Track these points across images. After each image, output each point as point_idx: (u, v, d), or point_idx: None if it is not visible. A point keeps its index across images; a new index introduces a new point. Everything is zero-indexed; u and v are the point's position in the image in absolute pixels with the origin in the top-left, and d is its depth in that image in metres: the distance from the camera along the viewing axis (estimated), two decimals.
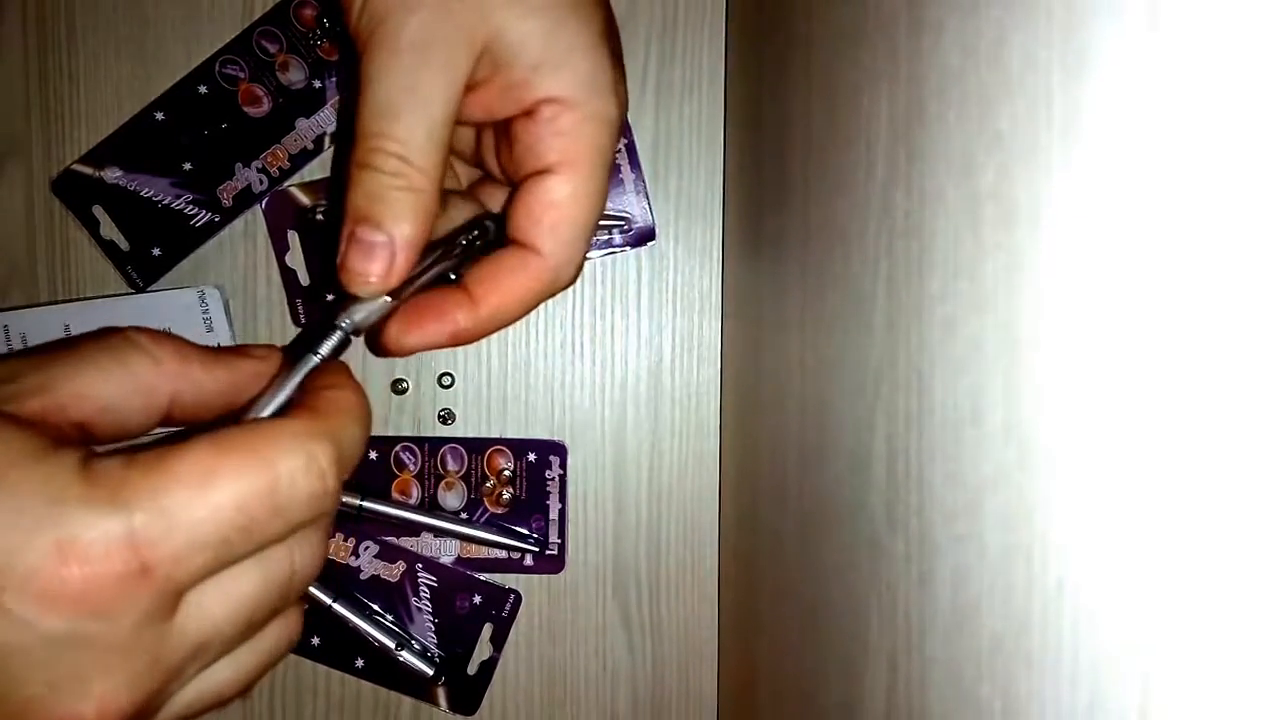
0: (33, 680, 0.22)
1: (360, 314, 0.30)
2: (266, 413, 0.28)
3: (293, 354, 0.30)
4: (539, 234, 0.32)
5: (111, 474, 0.23)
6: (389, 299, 0.30)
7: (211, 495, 0.23)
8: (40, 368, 0.26)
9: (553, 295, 0.33)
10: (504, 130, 0.33)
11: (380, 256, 0.30)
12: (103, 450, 0.24)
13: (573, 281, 0.33)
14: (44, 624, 0.22)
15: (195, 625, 0.24)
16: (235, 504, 0.23)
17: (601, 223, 0.49)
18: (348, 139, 0.31)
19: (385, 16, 0.29)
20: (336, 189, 0.48)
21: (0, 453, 0.23)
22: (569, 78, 0.31)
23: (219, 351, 0.30)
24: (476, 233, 0.33)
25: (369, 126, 0.29)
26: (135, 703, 0.23)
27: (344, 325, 0.30)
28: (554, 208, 0.31)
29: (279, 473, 0.24)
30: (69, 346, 0.27)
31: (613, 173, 0.49)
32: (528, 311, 0.33)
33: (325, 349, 0.30)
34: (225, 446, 0.24)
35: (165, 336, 0.29)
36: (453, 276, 0.33)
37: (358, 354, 0.49)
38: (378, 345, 0.32)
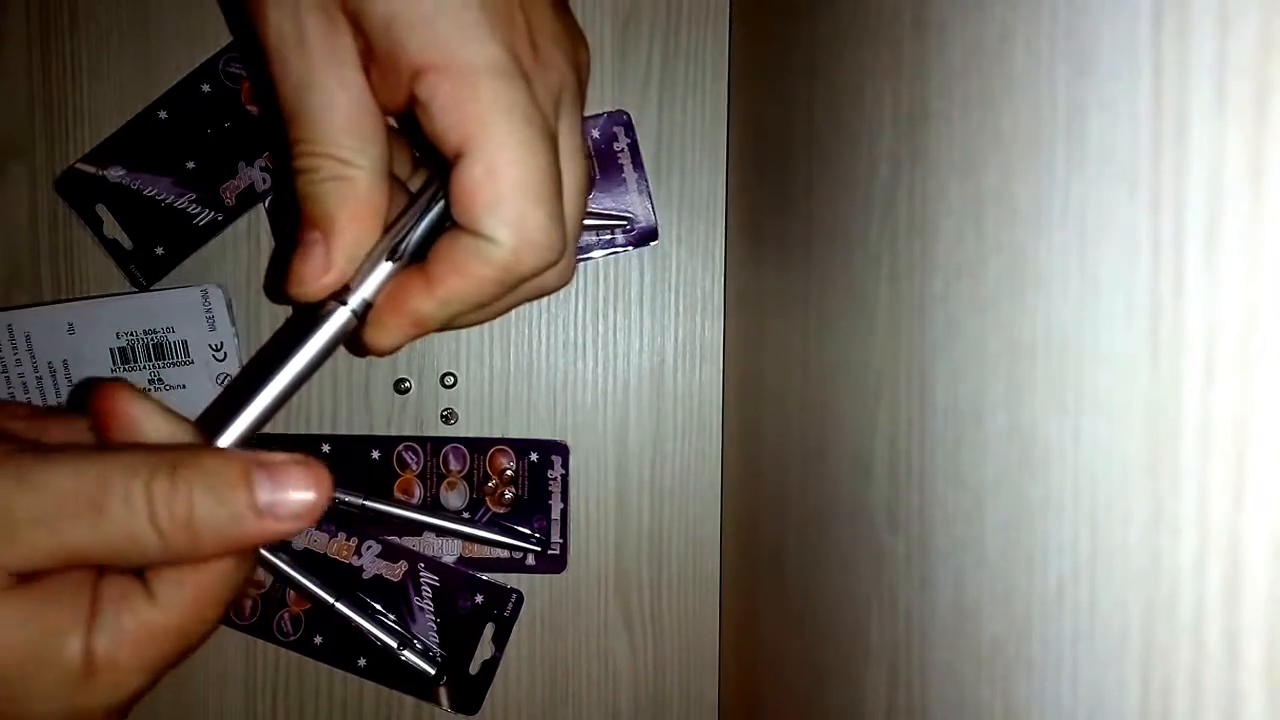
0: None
1: (329, 324, 0.29)
2: (227, 437, 0.28)
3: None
4: (479, 221, 0.28)
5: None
6: (345, 303, 0.29)
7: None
8: None
9: (532, 274, 0.29)
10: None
11: (314, 255, 0.29)
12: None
13: (552, 256, 0.29)
14: None
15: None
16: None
17: (603, 222, 0.49)
18: None
19: (264, 15, 0.28)
20: None
21: None
22: (430, 36, 0.27)
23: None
24: (432, 192, 0.30)
25: (289, 128, 0.28)
26: None
27: (317, 335, 0.29)
28: (478, 191, 0.28)
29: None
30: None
31: (616, 171, 0.49)
32: (500, 299, 0.30)
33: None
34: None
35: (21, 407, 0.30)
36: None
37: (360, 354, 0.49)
38: (360, 347, 0.31)
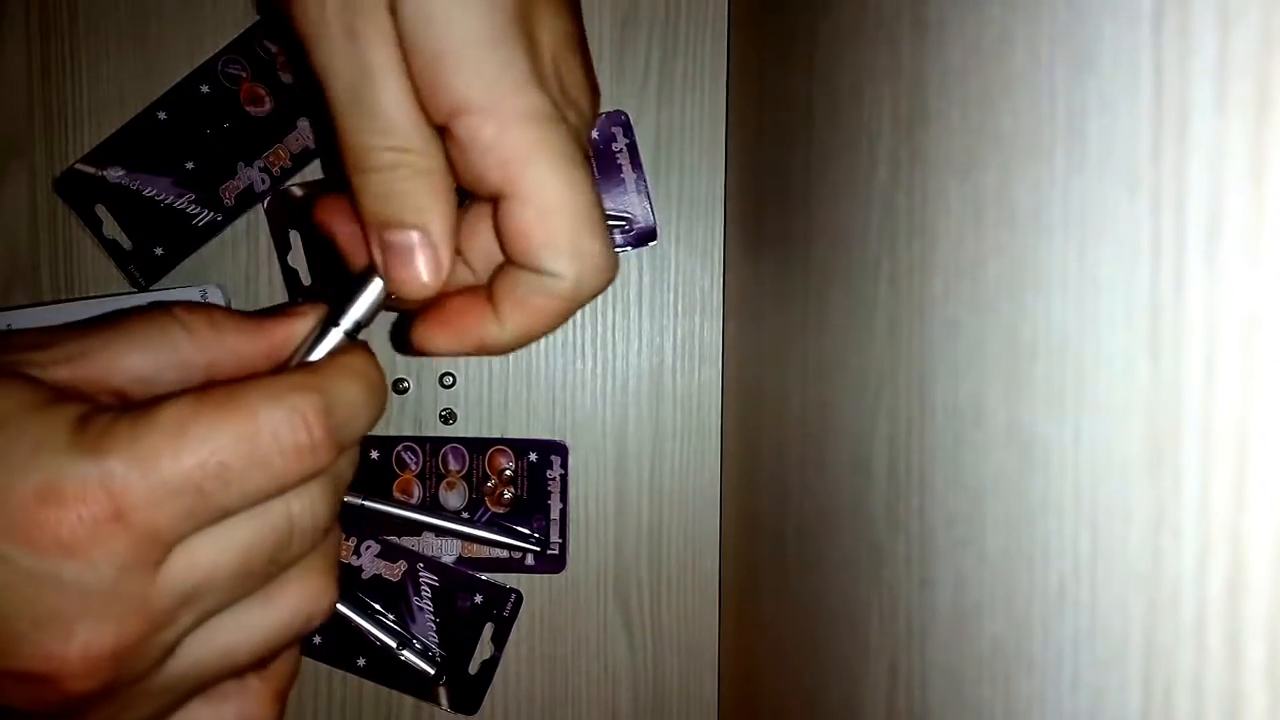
0: (17, 618, 0.23)
1: (362, 302, 0.30)
2: None
3: (323, 321, 0.29)
4: (538, 259, 0.29)
5: (101, 424, 0.24)
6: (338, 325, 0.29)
7: (185, 442, 0.24)
8: (78, 338, 0.27)
9: (593, 297, 0.30)
10: None
11: (420, 256, 0.29)
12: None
13: (610, 276, 0.30)
14: (25, 563, 0.23)
15: (183, 572, 0.24)
16: (209, 451, 0.24)
17: None
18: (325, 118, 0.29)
19: (306, 5, 0.27)
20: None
21: (0, 405, 0.24)
22: (472, 77, 0.27)
23: (259, 316, 0.30)
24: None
25: (345, 125, 0.28)
26: (120, 646, 0.24)
27: (354, 313, 0.29)
28: (533, 231, 0.28)
29: (259, 424, 0.24)
30: (113, 320, 0.28)
31: (615, 171, 0.49)
32: (565, 320, 0.31)
33: (347, 323, 0.29)
34: (206, 398, 0.24)
35: (202, 308, 0.29)
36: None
37: None
38: (405, 344, 0.31)
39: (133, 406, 0.25)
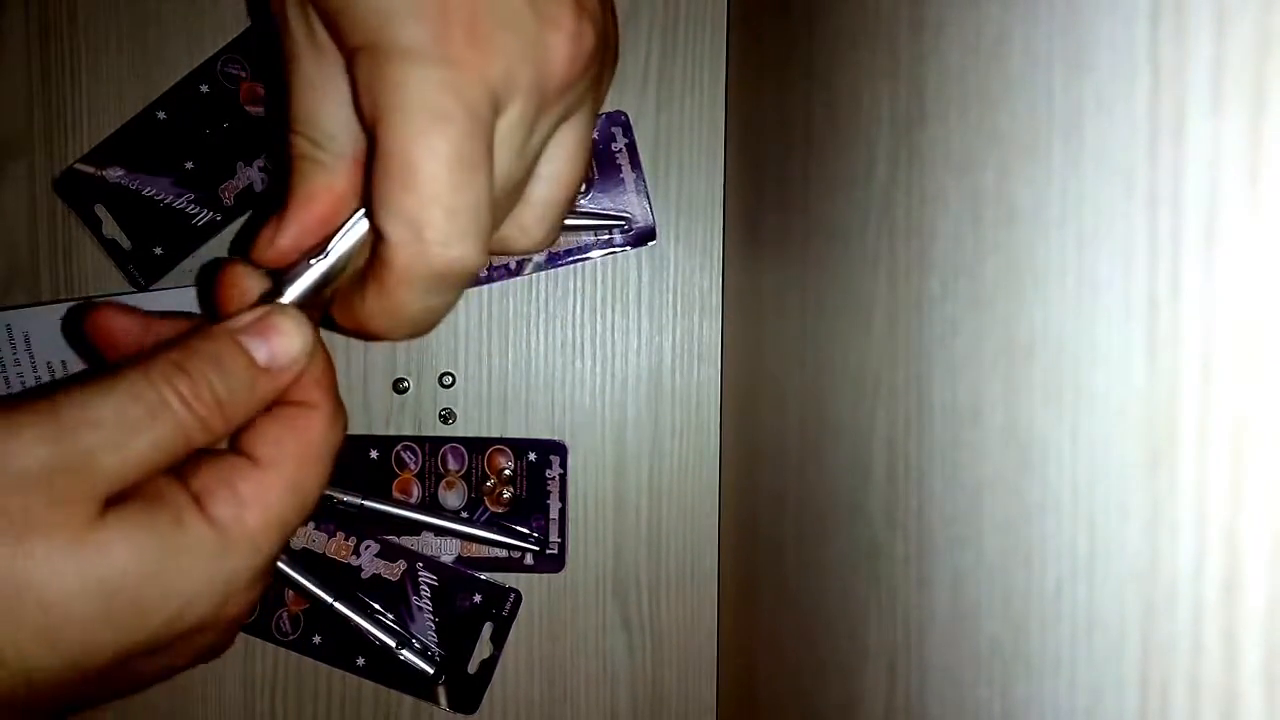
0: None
1: (299, 280, 0.29)
2: None
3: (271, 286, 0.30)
4: (378, 215, 0.26)
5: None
6: (316, 263, 0.29)
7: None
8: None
9: (446, 277, 0.27)
10: None
11: (269, 226, 0.29)
12: None
13: (454, 257, 0.26)
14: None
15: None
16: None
17: (602, 223, 0.49)
18: None
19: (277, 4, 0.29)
20: None
21: None
22: (358, 13, 0.25)
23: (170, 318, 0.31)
24: (354, 218, 0.29)
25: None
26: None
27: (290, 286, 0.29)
28: (373, 183, 0.26)
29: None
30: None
31: (614, 171, 0.49)
32: (423, 301, 0.28)
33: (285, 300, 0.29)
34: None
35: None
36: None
37: (360, 353, 0.49)
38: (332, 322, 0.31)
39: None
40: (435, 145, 0.25)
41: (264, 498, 0.27)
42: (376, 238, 0.27)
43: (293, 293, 0.29)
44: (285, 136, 0.29)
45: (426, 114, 0.25)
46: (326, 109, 0.28)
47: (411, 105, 0.25)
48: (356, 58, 0.26)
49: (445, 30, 0.25)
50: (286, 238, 0.29)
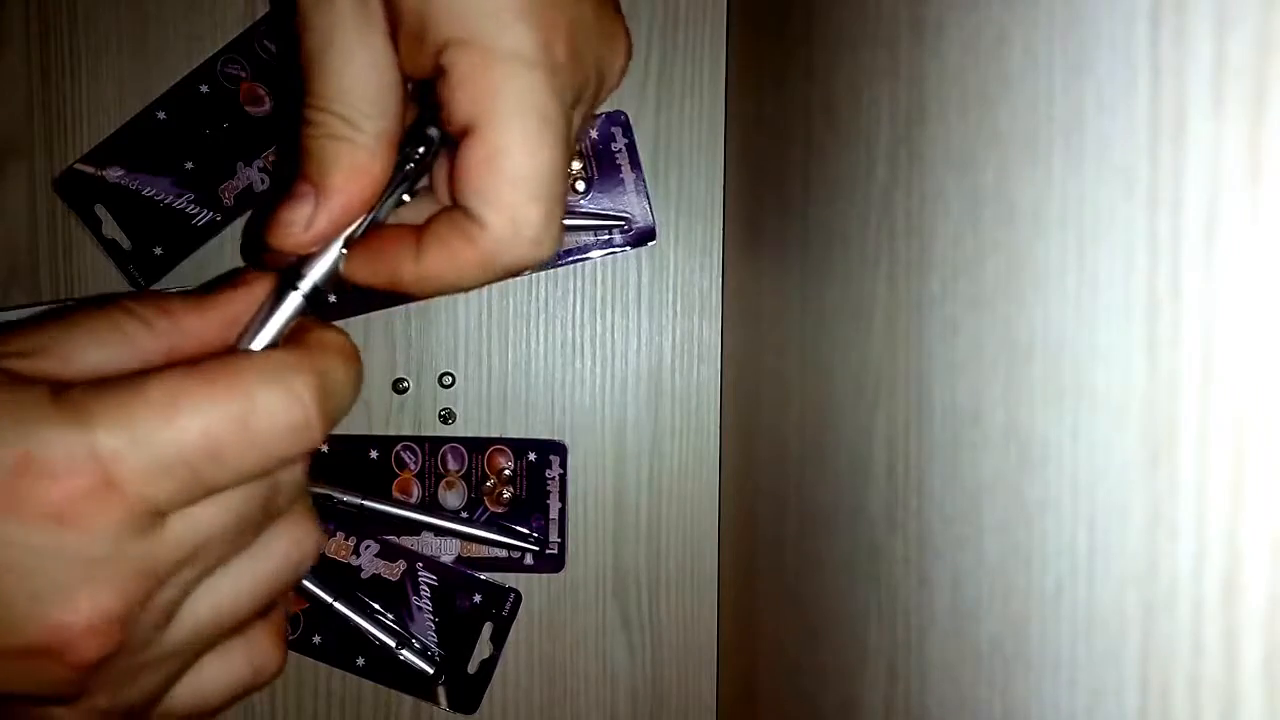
0: (15, 593, 0.23)
1: (320, 265, 0.29)
2: (256, 347, 0.28)
3: (277, 289, 0.29)
4: (471, 203, 0.28)
5: (79, 397, 0.24)
6: (341, 248, 0.29)
7: (178, 417, 0.24)
8: (32, 334, 0.27)
9: (515, 268, 0.29)
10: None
11: (301, 210, 0.28)
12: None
13: (540, 252, 0.28)
14: (17, 537, 0.23)
15: (179, 535, 0.24)
16: (202, 427, 0.24)
17: (602, 223, 0.49)
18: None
19: None
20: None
21: None
22: (462, 10, 0.26)
23: (209, 292, 0.29)
24: (421, 149, 0.29)
25: (305, 76, 0.28)
26: (126, 607, 0.24)
27: (307, 275, 0.29)
28: (476, 174, 0.27)
29: (255, 403, 0.24)
30: (66, 316, 0.28)
31: (614, 171, 0.49)
32: (481, 282, 0.29)
33: (305, 286, 0.29)
34: (199, 373, 0.24)
35: (150, 296, 0.29)
36: (406, 199, 0.30)
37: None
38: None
39: (112, 381, 0.24)
40: (544, 148, 0.27)
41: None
42: (445, 211, 0.29)
43: (312, 278, 0.29)
44: (307, 115, 0.28)
45: (537, 117, 0.27)
46: (367, 84, 0.28)
47: (525, 108, 0.27)
48: (453, 50, 0.27)
49: (553, 38, 0.27)
50: (324, 221, 0.28)
